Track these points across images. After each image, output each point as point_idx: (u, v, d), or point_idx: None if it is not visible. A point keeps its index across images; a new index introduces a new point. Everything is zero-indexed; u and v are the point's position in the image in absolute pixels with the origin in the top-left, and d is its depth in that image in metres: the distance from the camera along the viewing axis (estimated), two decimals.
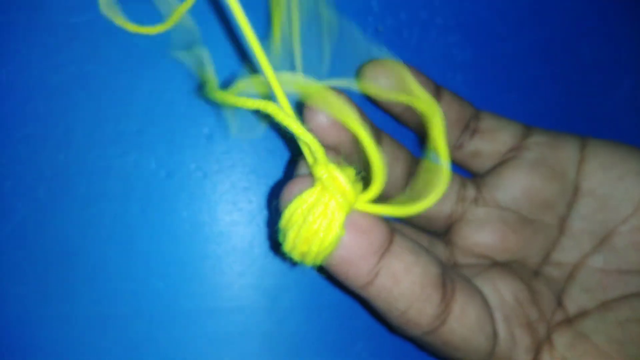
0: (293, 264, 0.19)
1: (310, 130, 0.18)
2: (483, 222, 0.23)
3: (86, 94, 0.25)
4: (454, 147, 0.24)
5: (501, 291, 0.21)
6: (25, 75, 0.25)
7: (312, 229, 0.17)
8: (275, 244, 0.25)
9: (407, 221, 0.24)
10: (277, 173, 0.25)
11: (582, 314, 0.22)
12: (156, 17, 0.25)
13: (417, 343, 0.20)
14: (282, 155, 0.25)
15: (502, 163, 0.24)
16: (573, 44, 0.28)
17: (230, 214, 0.25)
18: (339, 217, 0.17)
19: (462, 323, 0.19)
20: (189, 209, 0.25)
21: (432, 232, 0.25)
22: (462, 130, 0.24)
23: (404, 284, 0.18)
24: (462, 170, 0.26)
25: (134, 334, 0.24)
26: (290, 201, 0.17)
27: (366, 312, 0.25)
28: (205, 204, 0.25)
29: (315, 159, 0.17)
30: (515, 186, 0.23)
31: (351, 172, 0.17)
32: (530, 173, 0.23)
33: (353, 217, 0.17)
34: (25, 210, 0.24)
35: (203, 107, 0.25)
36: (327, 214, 0.17)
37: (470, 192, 0.24)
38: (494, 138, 0.24)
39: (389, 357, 0.25)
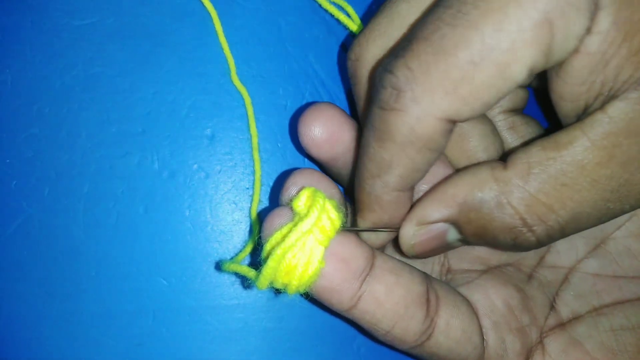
0: (277, 292, 0.19)
1: (304, 144, 0.18)
2: None
3: (90, 96, 0.25)
4: None
5: (492, 298, 0.21)
6: (30, 77, 0.25)
7: (291, 264, 0.17)
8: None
9: None
10: (277, 173, 0.26)
11: (575, 319, 0.22)
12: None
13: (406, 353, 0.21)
14: (283, 155, 0.26)
15: None
16: None
17: (231, 213, 0.25)
18: (318, 252, 0.17)
19: (448, 336, 0.19)
20: (192, 209, 0.25)
21: None
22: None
23: (386, 305, 0.18)
24: None
25: (137, 330, 0.24)
26: (270, 235, 0.17)
27: None
28: (207, 203, 0.25)
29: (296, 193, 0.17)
30: None
31: (332, 204, 0.17)
32: None
33: (333, 247, 0.17)
34: (30, 209, 0.25)
35: (205, 108, 0.25)
36: (306, 250, 0.17)
37: None
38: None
39: (387, 353, 0.25)
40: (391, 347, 0.20)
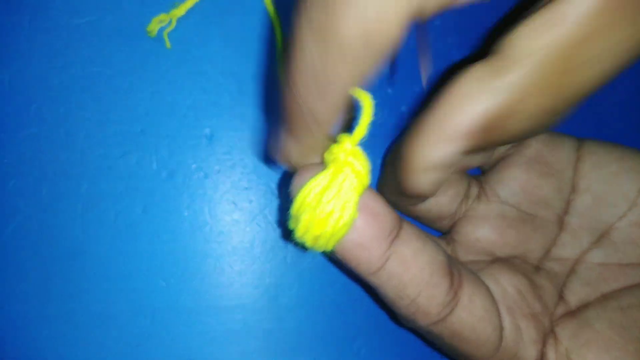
0: (304, 249, 0.18)
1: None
2: (484, 218, 0.23)
3: (89, 95, 0.25)
4: None
5: (503, 284, 0.21)
6: (29, 76, 0.25)
7: (326, 210, 0.16)
8: (285, 231, 0.25)
9: (414, 219, 0.24)
10: (277, 173, 0.25)
11: (584, 306, 0.22)
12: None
13: (424, 337, 0.20)
14: None
15: (502, 159, 0.24)
16: None
17: (230, 213, 0.25)
18: (354, 198, 0.17)
19: (471, 312, 0.19)
20: (190, 209, 0.25)
21: (437, 229, 0.25)
22: None
23: (413, 269, 0.18)
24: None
25: (136, 332, 0.24)
26: (303, 185, 0.17)
27: (365, 310, 0.25)
28: (206, 203, 0.25)
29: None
30: (514, 182, 0.23)
31: (361, 152, 0.17)
32: (527, 170, 0.23)
33: (365, 201, 0.17)
34: (28, 209, 0.24)
35: (204, 108, 0.25)
36: (341, 195, 0.16)
37: (474, 190, 0.24)
38: None
39: (388, 354, 0.25)
40: (409, 328, 0.19)
